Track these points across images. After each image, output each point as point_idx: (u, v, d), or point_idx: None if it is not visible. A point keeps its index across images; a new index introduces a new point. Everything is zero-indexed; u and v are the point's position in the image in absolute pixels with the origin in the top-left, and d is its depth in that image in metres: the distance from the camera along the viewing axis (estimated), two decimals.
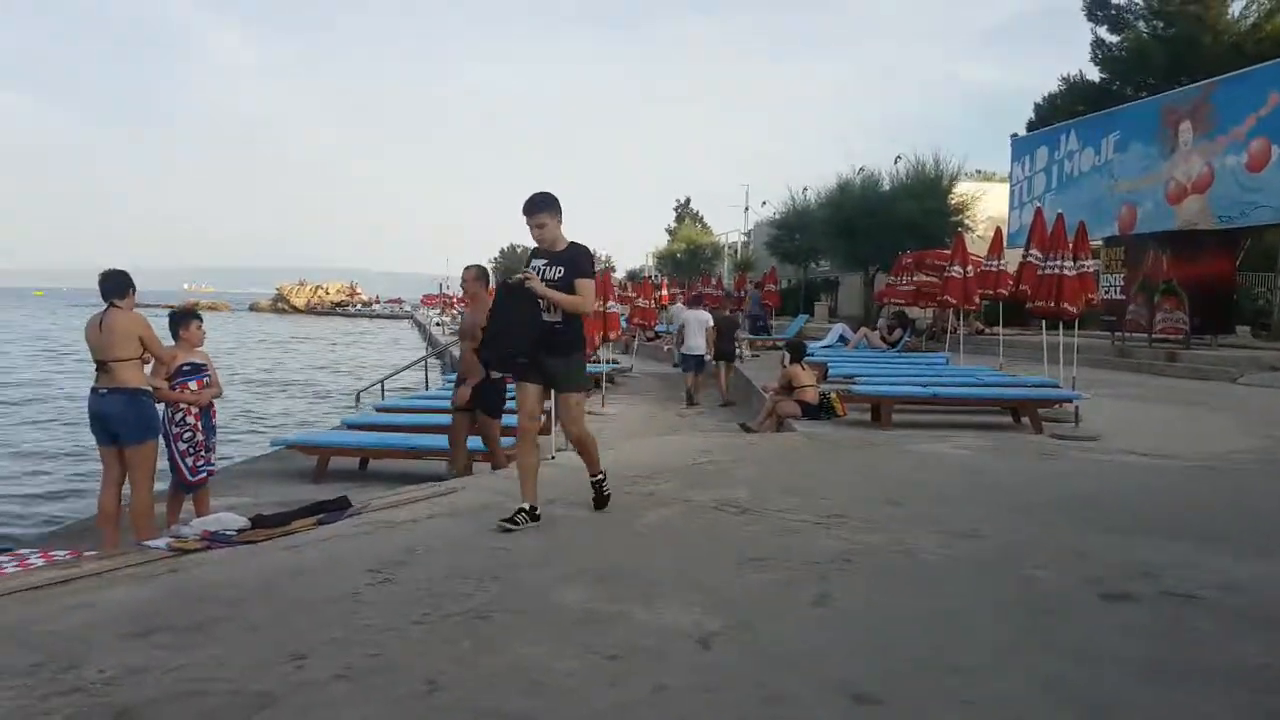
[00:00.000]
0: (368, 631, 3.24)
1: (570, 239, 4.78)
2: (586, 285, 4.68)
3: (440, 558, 4.26)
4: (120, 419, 5.22)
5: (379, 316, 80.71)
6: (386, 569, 4.02)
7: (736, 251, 47.17)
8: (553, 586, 3.76)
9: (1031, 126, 28.28)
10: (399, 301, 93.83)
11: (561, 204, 4.75)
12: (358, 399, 17.90)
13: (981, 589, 3.75)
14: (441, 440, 8.19)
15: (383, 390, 17.68)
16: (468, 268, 7.36)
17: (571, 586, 3.76)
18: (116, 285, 5.56)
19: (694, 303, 16.05)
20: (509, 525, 4.58)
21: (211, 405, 6.06)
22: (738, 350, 15.44)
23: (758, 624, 3.30)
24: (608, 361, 15.39)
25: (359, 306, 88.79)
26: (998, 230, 15.79)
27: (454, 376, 17.79)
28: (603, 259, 52.58)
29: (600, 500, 5.08)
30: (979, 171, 34.66)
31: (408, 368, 20.51)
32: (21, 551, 5.52)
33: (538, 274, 4.63)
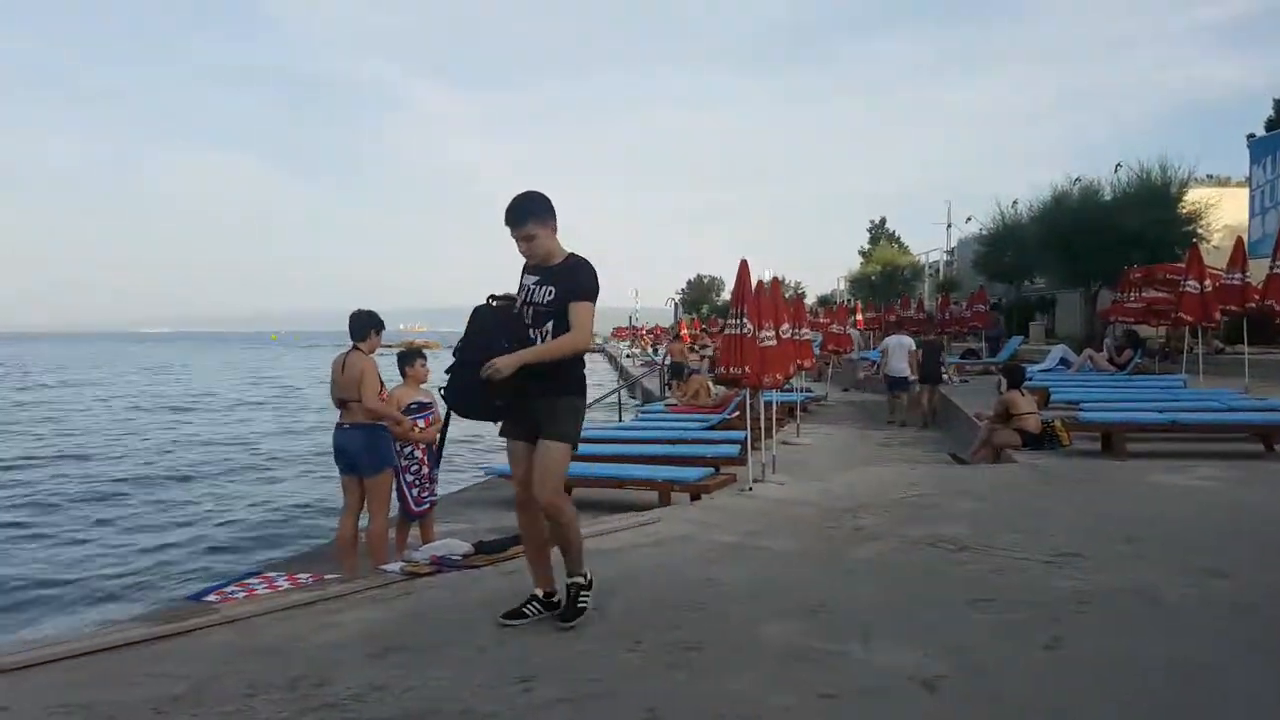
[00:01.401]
0: (585, 658, 3.38)
1: (570, 250, 3.74)
2: (583, 311, 3.60)
3: (647, 587, 4.37)
4: (359, 452, 5.73)
5: None
6: (597, 596, 4.17)
7: (939, 271, 45.39)
8: (762, 620, 3.77)
9: (1271, 125, 25.56)
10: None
11: (554, 207, 3.70)
12: None
13: (1234, 635, 3.43)
14: (640, 470, 8.41)
15: None
16: None
17: (781, 621, 3.76)
18: (358, 327, 5.97)
19: (895, 327, 15.87)
20: (511, 621, 3.74)
21: (434, 439, 6.52)
22: (945, 374, 15.20)
23: (986, 668, 3.17)
24: (802, 390, 15.21)
25: None
26: (1238, 240, 14.35)
27: (647, 407, 18.26)
28: (791, 285, 52.02)
29: (570, 611, 3.75)
30: (1211, 176, 31.60)
31: (602, 400, 21.14)
32: (271, 574, 6.17)
33: (526, 295, 3.70)
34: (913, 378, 14.16)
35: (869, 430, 13.74)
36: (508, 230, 3.68)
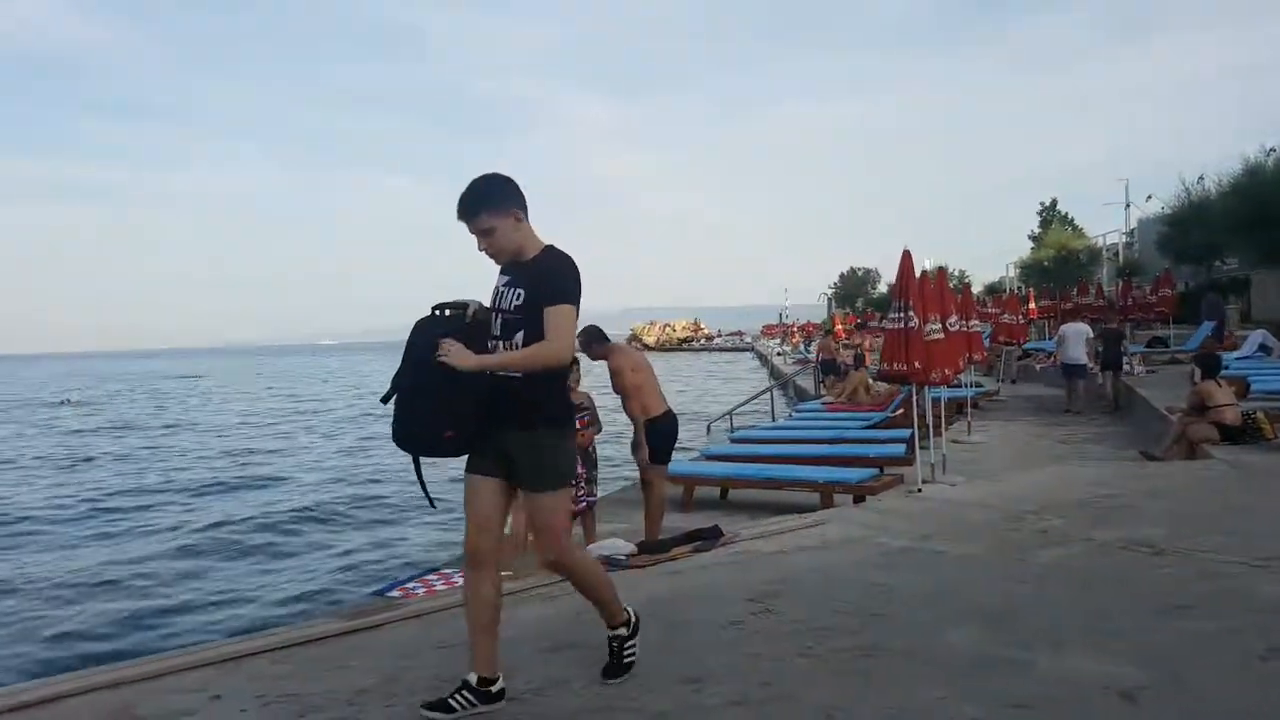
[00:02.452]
0: (756, 660, 3.39)
1: (548, 244, 3.11)
2: (560, 315, 2.92)
3: (815, 590, 4.34)
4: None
5: (722, 349, 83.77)
6: (764, 599, 4.17)
7: (1118, 254, 42.58)
8: (940, 626, 3.67)
9: None
10: (740, 334, 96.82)
11: (518, 191, 3.04)
12: (708, 429, 18.75)
13: None
14: (801, 472, 8.33)
15: (730, 421, 18.35)
16: None
17: (961, 627, 3.64)
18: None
19: (1071, 315, 15.29)
20: (433, 715, 2.94)
21: (591, 441, 6.71)
22: (1126, 363, 14.51)
23: (1191, 678, 2.97)
24: (972, 385, 14.63)
25: (703, 341, 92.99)
26: None
27: (803, 405, 18.08)
28: (955, 274, 49.98)
29: (616, 667, 3.27)
30: None
31: (754, 398, 21.06)
32: (447, 571, 6.51)
33: (495, 300, 3.09)
34: (1092, 366, 13.65)
35: (1047, 426, 13.06)
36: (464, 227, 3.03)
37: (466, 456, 3.07)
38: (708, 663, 3.39)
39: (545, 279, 2.98)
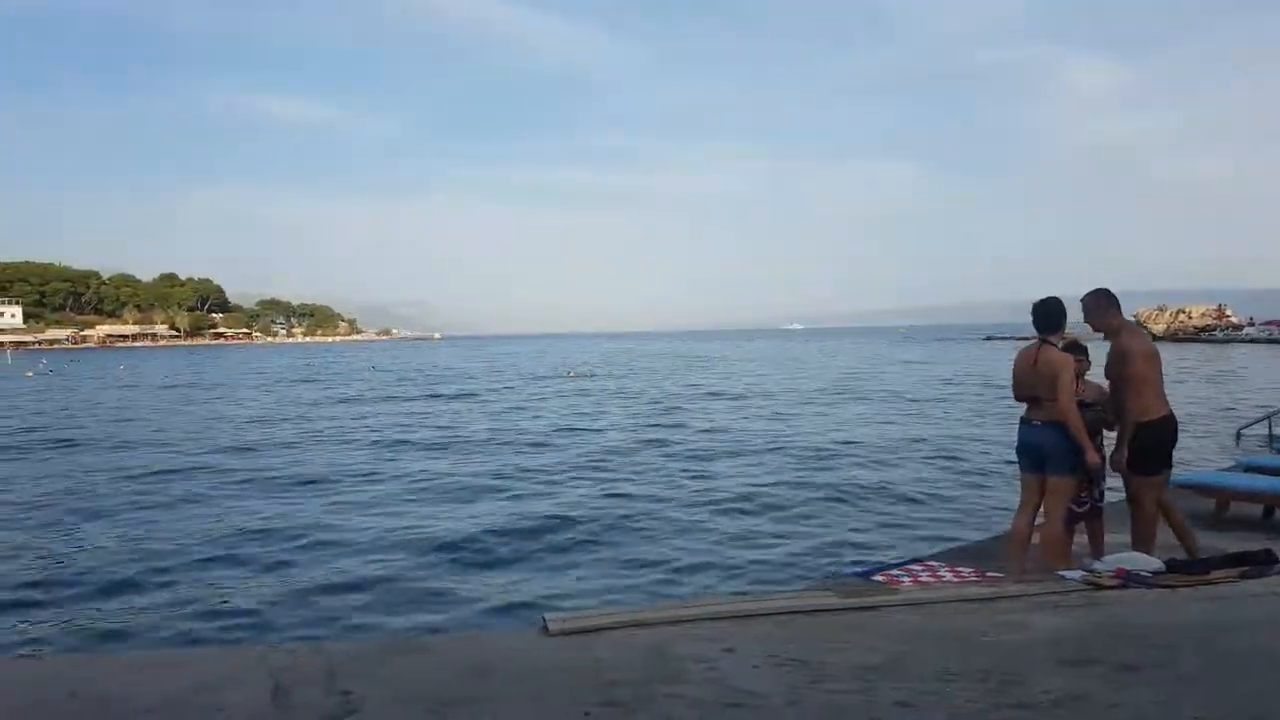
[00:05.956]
0: None
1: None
2: None
3: None
4: (1050, 451, 5.55)
5: (1255, 341, 71.10)
6: None
7: None
8: None
9: None
10: (1276, 324, 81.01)
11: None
12: (1238, 437, 16.15)
13: None
14: None
15: (1269, 429, 15.56)
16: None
17: None
18: (1049, 319, 5.57)
19: None
20: None
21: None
22: None
23: None
24: None
25: (1228, 331, 79.69)
26: None
27: None
28: None
29: None
30: None
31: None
32: (933, 563, 6.44)
33: None
34: None
35: None
36: None
37: None
38: (1267, 703, 2.94)
39: None
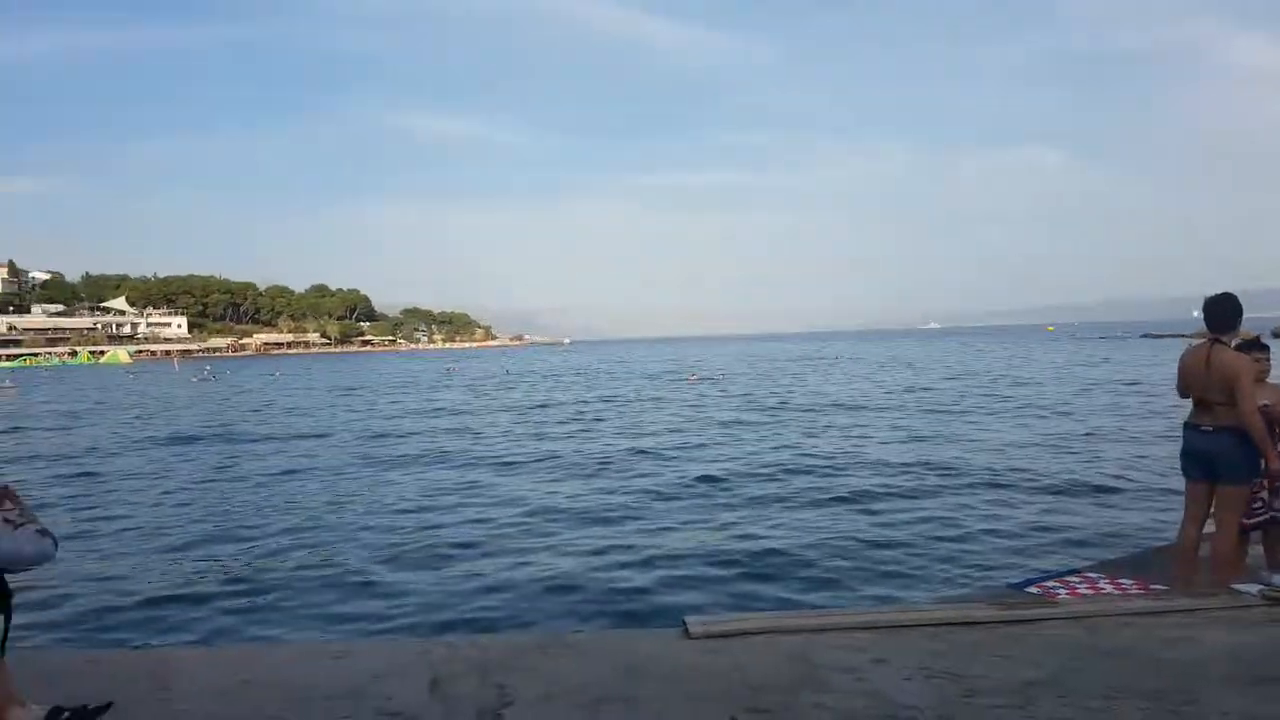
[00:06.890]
0: None
1: None
2: None
3: None
4: (1225, 458, 5.20)
5: None
6: None
7: None
8: None
9: None
10: None
11: None
12: None
13: None
14: None
15: None
16: None
17: None
18: (1225, 316, 5.26)
19: None
20: None
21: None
22: None
23: None
24: None
25: None
26: None
27: None
28: None
29: None
30: None
31: None
32: (1091, 575, 6.14)
33: None
34: None
35: None
36: None
37: None
38: None
39: None
